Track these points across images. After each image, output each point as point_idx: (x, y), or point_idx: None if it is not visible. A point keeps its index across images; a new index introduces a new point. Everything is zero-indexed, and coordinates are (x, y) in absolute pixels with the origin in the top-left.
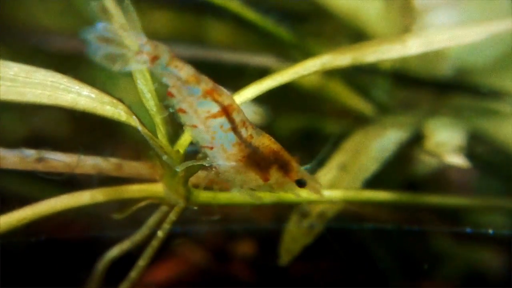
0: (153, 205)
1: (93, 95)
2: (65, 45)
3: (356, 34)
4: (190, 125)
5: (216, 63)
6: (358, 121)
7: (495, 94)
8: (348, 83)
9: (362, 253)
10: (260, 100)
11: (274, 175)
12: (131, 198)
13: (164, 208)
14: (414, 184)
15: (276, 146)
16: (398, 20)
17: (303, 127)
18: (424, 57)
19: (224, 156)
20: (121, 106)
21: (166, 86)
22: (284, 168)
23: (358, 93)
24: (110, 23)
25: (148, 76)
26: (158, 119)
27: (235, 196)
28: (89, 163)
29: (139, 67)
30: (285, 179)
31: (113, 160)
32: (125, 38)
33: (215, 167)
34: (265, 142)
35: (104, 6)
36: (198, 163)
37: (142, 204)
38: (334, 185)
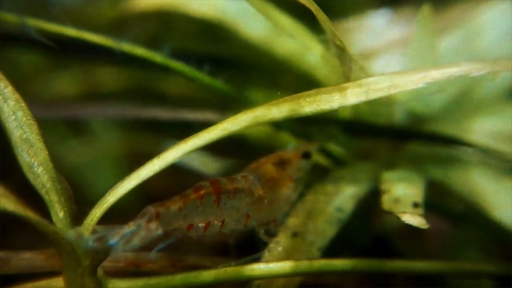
0: None
1: None
2: None
3: (303, 80)
4: (219, 226)
5: (157, 120)
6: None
7: (450, 141)
8: (300, 133)
9: None
10: (212, 150)
11: (289, 171)
12: None
13: None
14: (385, 238)
15: (261, 161)
16: (337, 66)
17: None
18: (373, 104)
19: (255, 209)
20: None
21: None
22: (284, 163)
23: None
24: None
25: (39, 146)
26: (53, 197)
27: (161, 281)
28: None
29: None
30: (294, 166)
31: None
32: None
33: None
34: (254, 167)
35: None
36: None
37: None
38: (290, 255)
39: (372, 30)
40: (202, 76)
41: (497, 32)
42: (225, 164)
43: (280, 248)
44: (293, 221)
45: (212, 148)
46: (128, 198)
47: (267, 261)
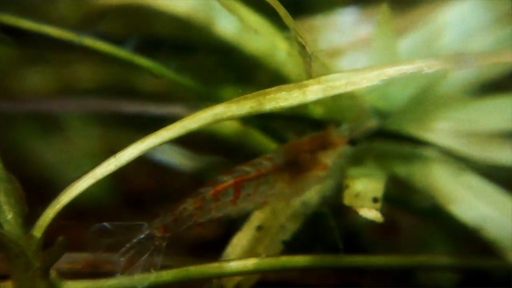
0: None
1: None
2: None
3: (274, 77)
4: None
5: (131, 115)
6: None
7: (412, 140)
8: (269, 130)
9: None
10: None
11: (326, 159)
12: None
13: None
14: (356, 234)
15: (301, 143)
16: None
17: None
18: (340, 101)
19: (274, 198)
20: None
21: None
22: (326, 146)
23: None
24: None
25: None
26: (1, 198)
27: (119, 282)
28: None
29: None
30: (335, 153)
31: None
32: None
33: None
34: (290, 152)
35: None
36: None
37: None
38: (253, 248)
39: (340, 28)
40: (169, 72)
41: (458, 32)
42: (206, 160)
43: (244, 241)
44: (258, 215)
45: (192, 145)
46: (107, 197)
47: (229, 255)
